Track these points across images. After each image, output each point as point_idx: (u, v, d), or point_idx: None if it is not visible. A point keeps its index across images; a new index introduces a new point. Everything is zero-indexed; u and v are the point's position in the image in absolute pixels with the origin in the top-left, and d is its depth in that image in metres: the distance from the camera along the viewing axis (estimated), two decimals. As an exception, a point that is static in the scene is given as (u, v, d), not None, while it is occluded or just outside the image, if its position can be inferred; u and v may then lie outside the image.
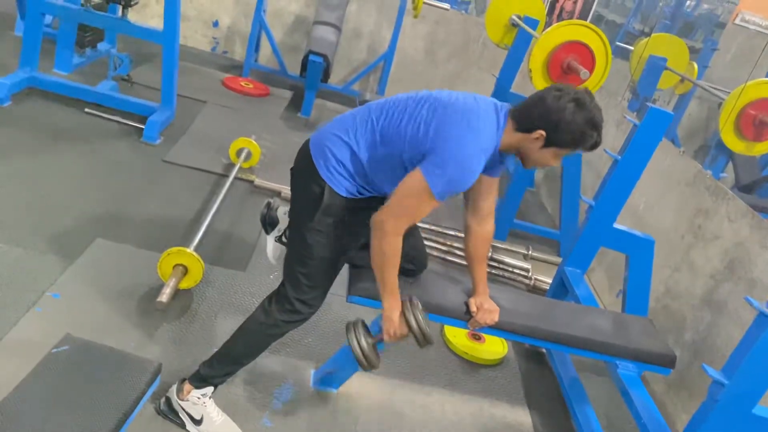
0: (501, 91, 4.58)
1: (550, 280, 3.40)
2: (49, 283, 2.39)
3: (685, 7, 5.11)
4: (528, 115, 1.72)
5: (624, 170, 2.57)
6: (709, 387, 1.80)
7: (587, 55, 3.30)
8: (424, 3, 5.11)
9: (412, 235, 2.07)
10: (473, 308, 2.05)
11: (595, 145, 1.73)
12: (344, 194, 1.82)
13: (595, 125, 1.69)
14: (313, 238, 1.85)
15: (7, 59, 4.24)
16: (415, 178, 1.68)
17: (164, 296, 2.35)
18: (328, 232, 1.85)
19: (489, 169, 1.82)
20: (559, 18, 5.16)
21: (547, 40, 3.30)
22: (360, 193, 1.85)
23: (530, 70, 3.35)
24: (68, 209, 2.90)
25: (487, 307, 2.05)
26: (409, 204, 1.72)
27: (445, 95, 1.77)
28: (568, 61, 3.27)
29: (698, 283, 2.76)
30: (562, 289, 2.82)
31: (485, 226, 2.01)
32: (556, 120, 1.68)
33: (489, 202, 1.97)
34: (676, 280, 2.91)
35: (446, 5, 5.47)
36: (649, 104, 2.47)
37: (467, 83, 5.93)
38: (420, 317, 1.82)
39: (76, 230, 2.76)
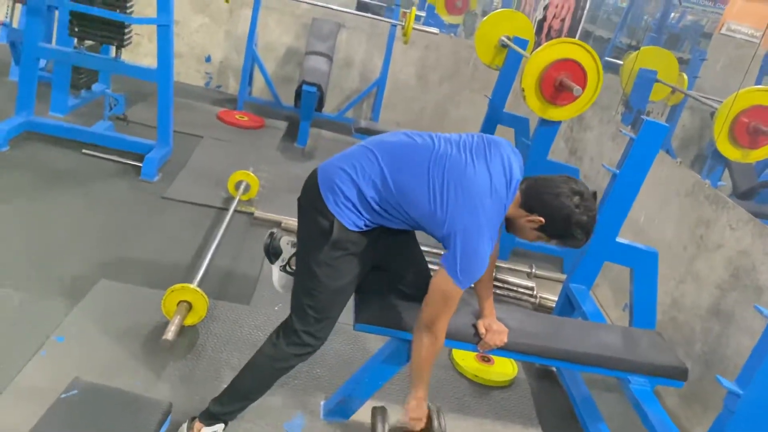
0: (494, 112, 4.62)
1: (555, 298, 3.40)
2: (53, 327, 2.37)
3: (669, 19, 5.17)
4: (537, 199, 1.78)
5: (623, 184, 2.58)
6: (725, 398, 1.78)
7: (579, 72, 3.33)
8: (414, 29, 5.17)
9: (415, 260, 2.08)
10: (482, 330, 2.04)
11: (576, 246, 1.86)
12: (353, 228, 1.82)
13: (587, 233, 1.81)
14: (322, 270, 1.84)
15: (2, 104, 4.26)
16: (444, 279, 1.75)
17: (170, 334, 2.33)
18: (337, 265, 1.84)
19: None
20: (548, 37, 5.22)
21: (539, 59, 3.34)
22: (367, 226, 1.85)
23: (523, 90, 3.38)
24: (70, 251, 2.90)
25: (495, 328, 2.05)
26: (445, 302, 1.79)
27: (456, 159, 1.76)
28: (560, 79, 3.30)
29: (704, 294, 2.75)
30: (568, 306, 2.81)
31: (496, 250, 2.05)
32: (560, 218, 1.77)
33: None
34: (682, 291, 2.90)
35: (435, 30, 5.53)
36: (644, 117, 2.48)
37: (460, 106, 5.97)
38: (444, 423, 2.00)
39: (78, 271, 2.75)
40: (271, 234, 2.13)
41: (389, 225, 1.87)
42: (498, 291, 3.42)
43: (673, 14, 5.51)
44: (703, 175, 3.29)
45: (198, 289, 2.52)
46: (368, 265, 1.93)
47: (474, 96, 5.94)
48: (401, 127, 4.99)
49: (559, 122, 3.54)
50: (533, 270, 3.69)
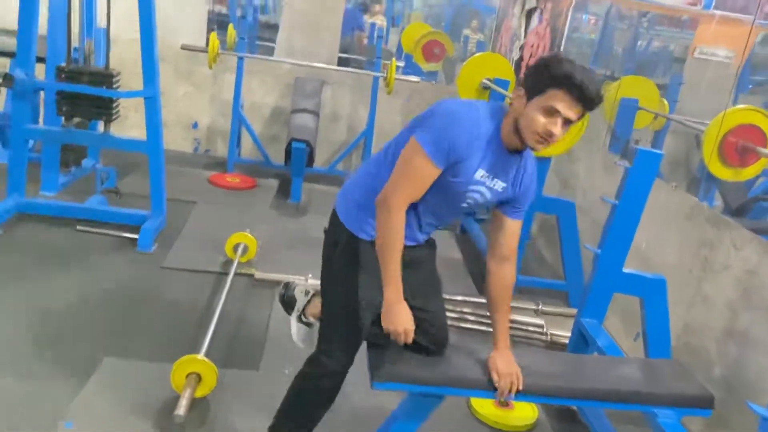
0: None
1: (566, 333, 3.36)
2: (61, 412, 2.30)
3: (637, 47, 5.26)
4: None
5: (623, 214, 2.58)
6: (759, 425, 1.74)
7: (564, 107, 3.37)
8: (396, 79, 5.26)
9: (430, 309, 2.03)
10: (494, 376, 1.94)
11: (567, 77, 1.62)
12: (362, 236, 1.85)
13: (559, 59, 1.66)
14: (329, 282, 1.90)
15: (-8, 188, 4.26)
16: (408, 144, 1.73)
17: (181, 409, 2.27)
18: (342, 274, 1.86)
19: (505, 204, 1.88)
20: (527, 75, 5.32)
21: (524, 99, 3.38)
22: (370, 234, 1.85)
23: (512, 129, 3.41)
24: (72, 331, 2.85)
25: (505, 370, 1.93)
26: (406, 170, 1.73)
27: None
28: (547, 116, 3.34)
29: (716, 316, 2.73)
30: (582, 341, 2.77)
31: (504, 268, 1.95)
32: (534, 68, 1.69)
33: (509, 241, 1.93)
34: (693, 315, 2.88)
35: (416, 78, 5.63)
36: (637, 146, 2.50)
37: (448, 148, 6.02)
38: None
39: (82, 352, 2.69)
40: (286, 285, 2.15)
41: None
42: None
43: (639, 42, 5.61)
44: (700, 197, 3.30)
45: (206, 359, 2.47)
46: (375, 285, 1.85)
47: (460, 138, 5.98)
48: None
49: (550, 158, 3.56)
50: (540, 307, 3.66)
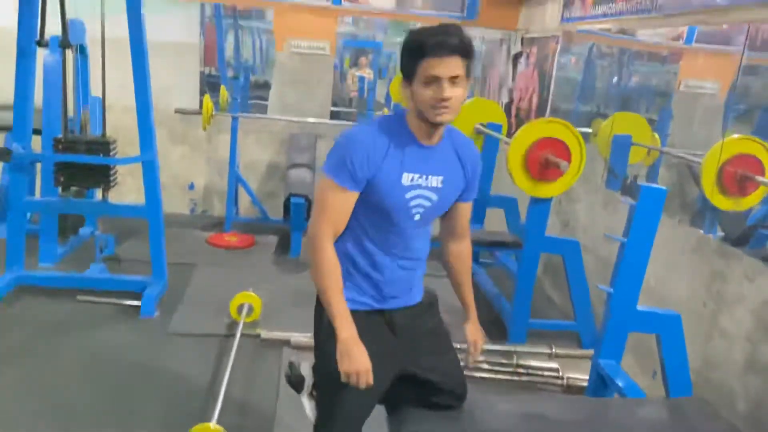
0: (481, 195, 4.67)
1: (582, 376, 3.30)
2: (71, 495, 2.21)
3: (621, 84, 5.33)
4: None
5: (633, 252, 2.56)
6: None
7: (561, 147, 3.40)
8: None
9: (440, 367, 1.95)
10: (472, 348, 2.03)
11: (422, 45, 1.61)
12: None
13: (410, 38, 1.65)
14: (319, 359, 1.85)
15: (-10, 263, 4.21)
16: (319, 181, 1.75)
17: (197, 482, 2.19)
18: (325, 348, 1.77)
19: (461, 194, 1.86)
20: (517, 118, 5.38)
21: (520, 142, 3.40)
22: (352, 300, 1.78)
23: (510, 172, 3.42)
24: (77, 406, 2.77)
25: (481, 341, 2.06)
26: (320, 203, 1.72)
27: None
28: (545, 156, 3.36)
29: (735, 349, 2.68)
30: (601, 384, 2.71)
31: (462, 245, 2.01)
32: (400, 59, 1.69)
33: (463, 221, 1.96)
34: (711, 350, 2.83)
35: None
36: (641, 183, 2.51)
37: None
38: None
39: (91, 427, 2.61)
40: (290, 365, 2.05)
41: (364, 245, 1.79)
42: (523, 378, 3.32)
43: (623, 79, 5.69)
44: (705, 229, 3.30)
45: (218, 427, 2.39)
46: (381, 364, 1.75)
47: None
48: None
49: (551, 198, 3.57)
50: (553, 350, 3.59)
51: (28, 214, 4.57)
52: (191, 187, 5.81)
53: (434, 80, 1.61)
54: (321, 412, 1.85)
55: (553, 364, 3.42)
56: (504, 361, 3.44)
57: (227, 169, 5.41)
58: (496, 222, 4.82)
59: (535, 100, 5.11)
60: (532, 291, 3.74)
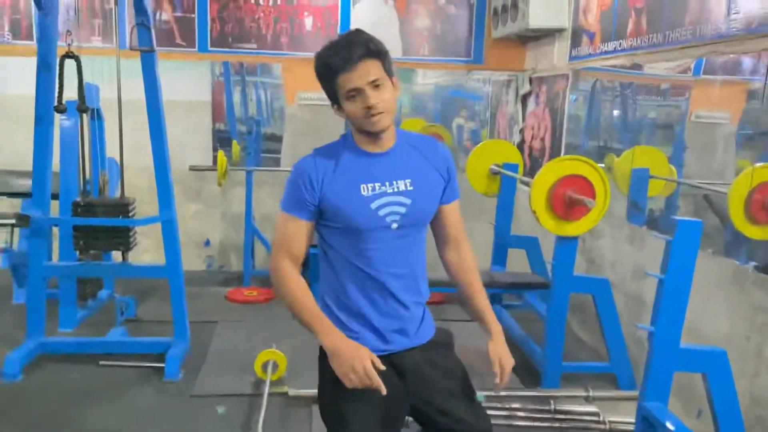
0: (501, 237, 4.63)
1: (624, 419, 3.19)
2: None
3: (626, 118, 5.32)
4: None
5: (672, 288, 2.49)
6: None
7: (584, 184, 3.36)
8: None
9: (458, 403, 1.83)
10: (496, 368, 1.77)
11: (327, 65, 1.61)
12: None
13: (317, 62, 1.64)
14: (321, 405, 1.85)
15: (10, 330, 4.15)
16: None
17: None
18: (325, 390, 1.80)
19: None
20: (531, 158, 5.37)
21: (542, 181, 3.37)
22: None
23: (534, 212, 3.38)
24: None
25: (509, 362, 1.80)
26: (278, 234, 1.74)
27: None
28: (569, 195, 3.32)
29: (786, 384, 2.58)
30: (648, 428, 2.60)
31: (463, 252, 1.90)
32: (320, 83, 1.68)
33: (455, 225, 1.88)
34: (760, 385, 2.72)
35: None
36: (677, 218, 2.45)
37: (461, 237, 6.00)
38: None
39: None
40: None
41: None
42: (563, 424, 3.20)
43: (616, 111, 5.65)
44: (740, 260, 3.22)
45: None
46: (388, 407, 1.71)
47: (470, 225, 5.90)
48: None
49: (577, 237, 3.52)
50: (590, 393, 3.47)
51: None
52: (207, 243, 5.79)
53: (355, 93, 1.60)
54: None
55: (593, 408, 3.30)
56: (540, 407, 3.32)
57: (242, 224, 5.40)
58: (515, 262, 4.75)
59: (548, 138, 5.10)
60: (564, 334, 3.65)
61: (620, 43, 4.03)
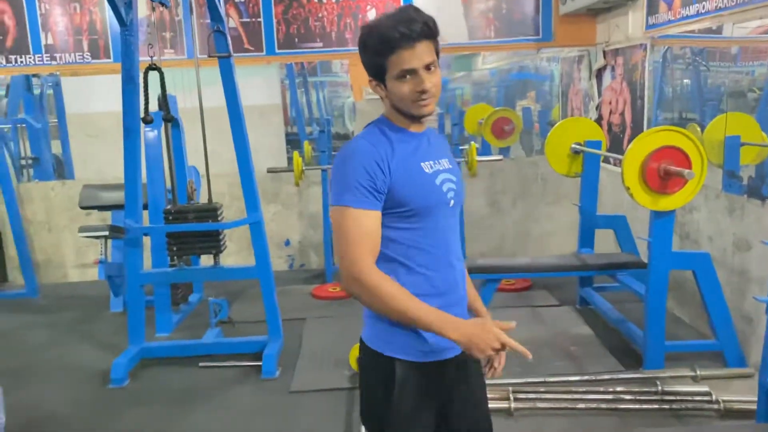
0: (588, 218, 4.49)
1: (739, 398, 3.04)
2: None
3: (703, 87, 5.03)
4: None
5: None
6: None
7: (679, 156, 3.21)
8: (477, 161, 5.21)
9: (468, 406, 1.75)
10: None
11: (385, 40, 1.49)
12: (395, 354, 1.61)
13: (366, 33, 1.54)
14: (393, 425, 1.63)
15: (110, 338, 4.33)
16: (331, 215, 1.55)
17: None
18: (400, 409, 1.62)
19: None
20: (610, 133, 5.19)
21: (634, 155, 3.24)
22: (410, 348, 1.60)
23: (628, 188, 3.26)
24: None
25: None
26: (344, 236, 1.50)
27: None
28: (664, 167, 3.18)
29: None
30: (774, 405, 2.47)
31: None
32: (362, 57, 1.59)
33: None
34: None
35: (500, 156, 5.60)
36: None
37: (540, 221, 5.88)
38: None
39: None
40: None
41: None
42: (674, 405, 3.07)
43: (685, 81, 5.36)
44: None
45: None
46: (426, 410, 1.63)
47: (550, 209, 5.86)
48: (485, 257, 4.88)
49: (674, 211, 3.36)
50: (698, 372, 3.33)
51: (141, 287, 4.73)
52: (287, 243, 5.88)
53: (407, 74, 1.51)
54: None
55: (703, 388, 3.16)
56: (646, 389, 3.21)
57: (319, 222, 5.45)
58: (598, 242, 4.61)
59: (628, 112, 4.91)
60: (665, 312, 3.50)
61: (703, 6, 3.82)
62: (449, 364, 1.63)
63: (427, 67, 1.51)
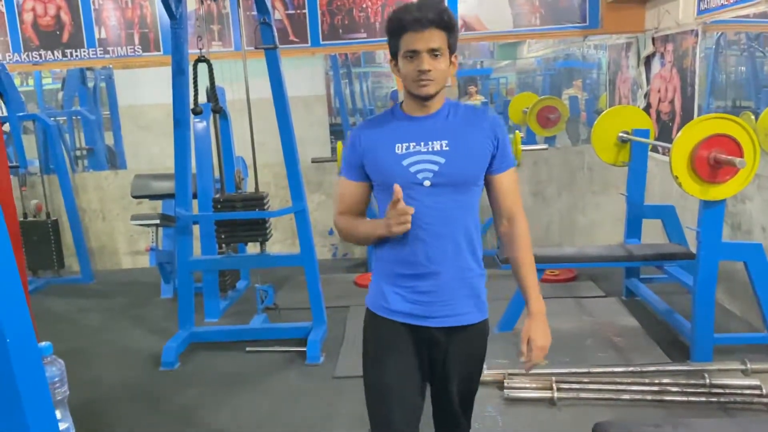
0: (635, 207, 4.42)
1: (792, 392, 2.96)
2: None
3: (754, 72, 4.85)
4: None
5: None
6: None
7: (730, 144, 3.13)
8: (522, 150, 5.18)
9: (441, 389, 1.92)
10: (524, 347, 1.77)
11: (397, 20, 1.67)
12: (369, 306, 1.93)
13: (392, 14, 1.70)
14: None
15: (160, 323, 4.48)
16: None
17: None
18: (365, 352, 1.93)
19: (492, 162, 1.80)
20: (659, 122, 5.07)
21: (683, 144, 3.18)
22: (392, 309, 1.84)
23: (676, 177, 3.19)
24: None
25: (542, 344, 1.76)
26: (337, 195, 1.92)
27: None
28: (715, 156, 3.11)
29: None
30: (828, 400, 2.40)
31: (517, 229, 1.84)
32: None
33: (508, 197, 1.83)
34: None
35: (545, 146, 5.54)
36: None
37: (586, 211, 5.80)
38: None
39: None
40: None
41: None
42: (722, 399, 3.02)
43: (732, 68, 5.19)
44: None
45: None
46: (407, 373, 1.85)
47: (597, 198, 5.77)
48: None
49: (724, 201, 3.29)
50: (748, 365, 3.25)
51: (190, 274, 4.87)
52: (330, 232, 5.95)
53: (413, 55, 1.66)
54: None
55: (754, 381, 3.09)
56: (693, 381, 3.16)
57: (364, 211, 5.48)
58: (646, 233, 4.53)
59: (678, 100, 4.80)
60: (714, 305, 3.43)
61: (759, -12, 3.70)
62: (411, 331, 1.82)
63: (433, 52, 1.66)
